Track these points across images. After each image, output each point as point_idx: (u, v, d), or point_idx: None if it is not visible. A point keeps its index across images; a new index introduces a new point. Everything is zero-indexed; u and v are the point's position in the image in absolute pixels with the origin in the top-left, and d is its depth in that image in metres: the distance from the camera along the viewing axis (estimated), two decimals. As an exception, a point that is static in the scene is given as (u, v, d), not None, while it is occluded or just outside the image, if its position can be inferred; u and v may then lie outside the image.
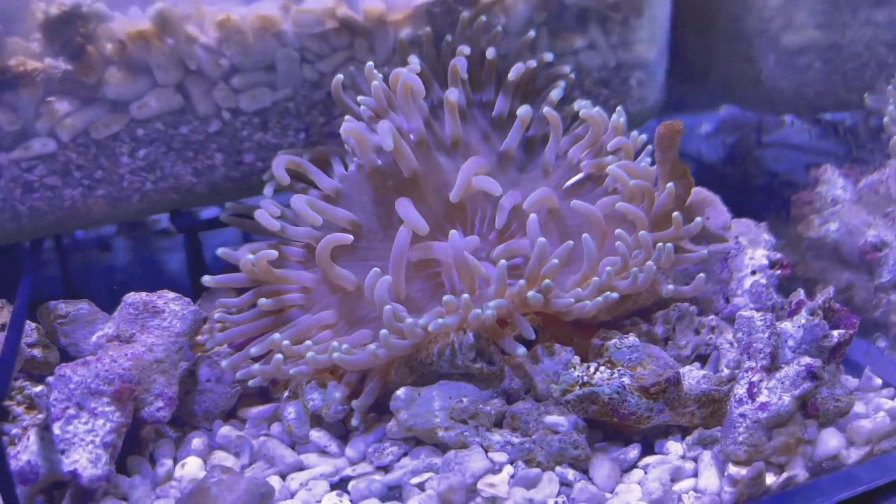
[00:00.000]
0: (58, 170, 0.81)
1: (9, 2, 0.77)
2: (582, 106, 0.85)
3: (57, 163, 0.81)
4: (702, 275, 0.76)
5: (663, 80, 0.99)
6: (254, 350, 0.74)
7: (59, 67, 0.78)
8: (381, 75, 0.83)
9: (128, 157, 0.83)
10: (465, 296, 0.69)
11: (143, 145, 0.83)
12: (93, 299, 0.80)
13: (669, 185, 0.77)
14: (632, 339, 0.72)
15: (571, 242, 0.73)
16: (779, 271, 0.81)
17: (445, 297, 0.70)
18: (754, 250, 0.81)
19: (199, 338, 0.79)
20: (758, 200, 1.15)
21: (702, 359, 0.79)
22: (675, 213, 0.77)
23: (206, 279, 0.77)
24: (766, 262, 0.81)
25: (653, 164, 0.82)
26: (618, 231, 0.75)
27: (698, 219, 0.78)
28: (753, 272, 0.81)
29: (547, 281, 0.70)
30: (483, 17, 0.85)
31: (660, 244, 0.74)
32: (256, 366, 0.74)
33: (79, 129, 0.80)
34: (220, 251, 0.79)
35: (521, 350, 0.70)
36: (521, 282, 0.70)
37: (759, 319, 0.70)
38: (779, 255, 0.81)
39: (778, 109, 0.99)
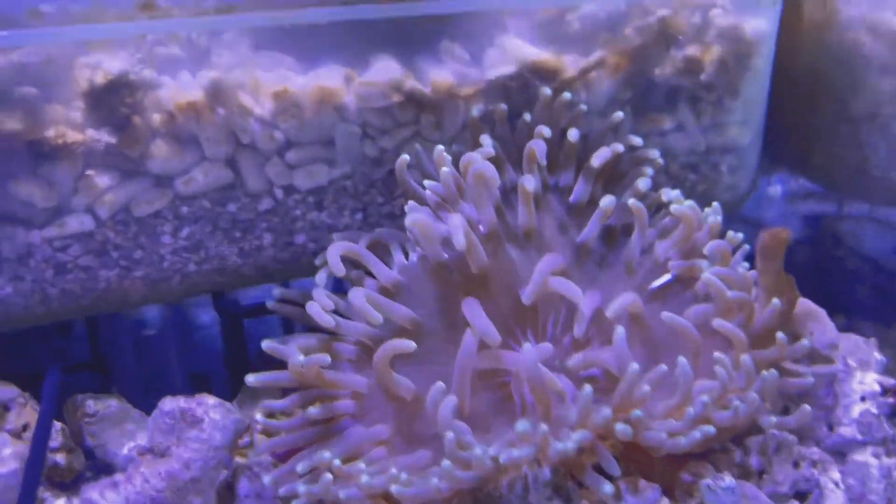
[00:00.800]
0: (94, 249, 0.74)
1: (50, 66, 0.70)
2: (671, 198, 0.77)
3: (94, 242, 0.74)
4: (807, 407, 0.67)
5: (756, 165, 0.90)
6: (300, 467, 0.66)
7: (101, 140, 0.71)
8: (450, 157, 0.75)
9: (170, 236, 0.76)
10: (543, 426, 0.61)
11: (188, 223, 0.76)
12: (124, 387, 0.74)
13: (775, 301, 0.68)
14: (728, 480, 0.63)
15: (665, 368, 0.65)
16: (892, 399, 0.71)
17: (519, 426, 0.61)
18: (864, 373, 0.72)
19: (239, 440, 0.71)
20: (850, 293, 1.05)
21: (800, 496, 0.70)
22: (780, 335, 0.68)
23: (251, 379, 0.70)
24: (877, 387, 0.71)
25: (751, 267, 0.73)
26: (716, 355, 0.66)
27: (804, 341, 0.69)
28: (863, 398, 0.71)
29: (637, 412, 0.62)
30: (568, 96, 0.78)
31: (763, 371, 0.65)
32: (302, 486, 0.66)
33: (119, 205, 0.73)
34: (266, 345, 0.72)
35: (608, 488, 0.61)
36: (607, 411, 0.62)
37: (875, 468, 0.61)
38: (892, 381, 0.72)
39: (889, 202, 0.90)
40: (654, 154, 0.80)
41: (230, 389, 0.80)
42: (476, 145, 0.78)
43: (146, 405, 0.72)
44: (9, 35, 0.64)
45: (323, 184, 0.79)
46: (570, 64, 0.81)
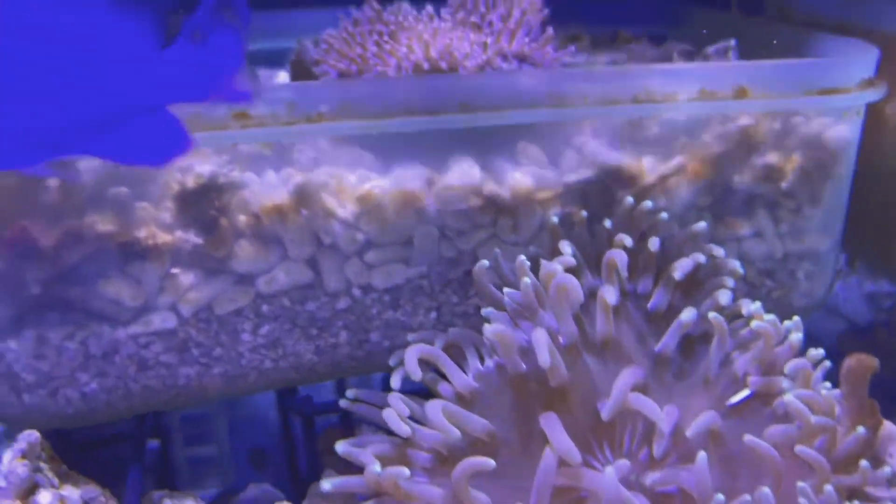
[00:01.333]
0: (176, 346, 0.75)
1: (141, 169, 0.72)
2: (751, 312, 0.76)
3: (176, 339, 0.75)
4: (894, 538, 0.66)
5: (834, 270, 0.89)
6: (374, 580, 0.66)
7: (189, 240, 0.73)
8: (527, 261, 0.75)
9: (250, 333, 0.77)
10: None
11: (267, 321, 0.77)
12: (198, 482, 0.74)
13: (860, 430, 0.67)
14: None
15: (749, 498, 0.64)
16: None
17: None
18: (951, 502, 0.70)
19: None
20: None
21: None
22: (864, 463, 0.67)
23: (327, 487, 0.70)
24: (965, 517, 0.69)
25: (834, 386, 0.72)
26: (800, 485, 0.65)
27: (887, 468, 0.68)
28: (949, 528, 0.69)
29: (722, 547, 0.61)
30: (649, 204, 0.77)
31: (849, 505, 0.64)
32: None
33: (202, 303, 0.75)
34: (342, 450, 0.72)
35: None
36: (691, 544, 0.61)
37: None
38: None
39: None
40: (735, 265, 0.79)
41: (294, 488, 0.80)
42: (554, 250, 0.78)
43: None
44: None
45: (400, 283, 0.79)
46: (649, 169, 0.81)
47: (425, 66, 0.80)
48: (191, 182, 0.72)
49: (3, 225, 0.68)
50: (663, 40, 1.25)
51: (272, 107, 0.70)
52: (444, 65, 0.79)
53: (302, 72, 1.02)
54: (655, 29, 1.33)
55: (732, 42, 1.04)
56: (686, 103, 0.78)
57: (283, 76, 1.14)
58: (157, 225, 0.72)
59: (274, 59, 1.17)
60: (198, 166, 0.72)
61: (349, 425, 0.87)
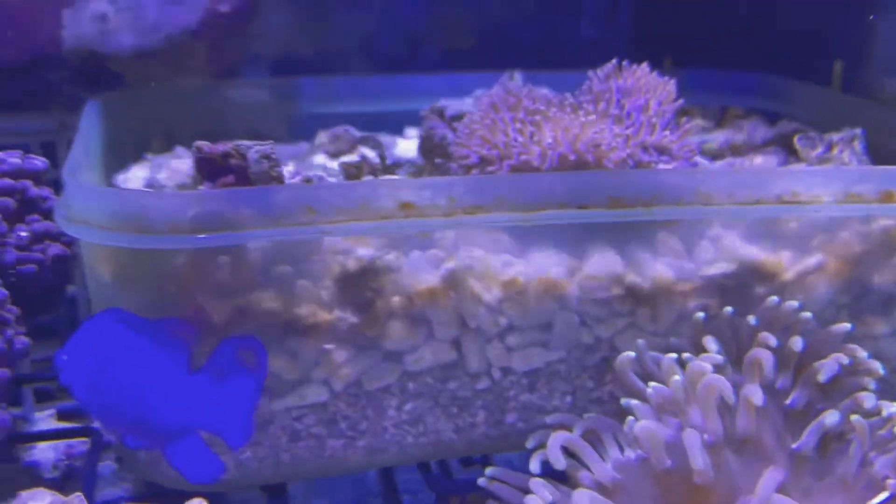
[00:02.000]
0: (325, 419, 0.78)
1: (303, 246, 0.76)
2: (892, 414, 0.76)
3: (326, 412, 0.78)
4: None
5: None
6: None
7: (345, 319, 0.76)
8: (675, 359, 0.76)
9: (395, 409, 0.79)
10: None
11: (411, 399, 0.80)
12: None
13: None
14: None
15: None
16: None
17: None
18: None
19: None
20: None
21: None
22: None
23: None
24: None
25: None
26: None
27: None
28: None
29: None
30: (794, 304, 0.78)
31: None
32: None
33: (352, 379, 0.78)
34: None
35: None
36: None
37: None
38: None
39: None
40: (876, 366, 0.79)
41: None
42: (698, 344, 0.79)
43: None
44: (289, 231, 0.70)
45: (538, 367, 0.81)
46: (788, 265, 0.82)
47: (572, 157, 0.82)
48: (351, 265, 0.75)
49: (181, 302, 0.72)
50: (774, 117, 1.26)
51: (435, 198, 0.73)
52: (590, 158, 0.82)
53: (431, 147, 1.06)
54: (754, 100, 1.34)
55: (859, 131, 1.05)
56: (830, 205, 0.79)
57: (402, 144, 1.19)
58: (317, 303, 0.76)
59: (393, 122, 1.22)
60: (359, 250, 0.75)
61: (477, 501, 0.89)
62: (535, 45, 1.55)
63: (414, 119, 1.14)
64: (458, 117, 1.08)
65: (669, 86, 0.93)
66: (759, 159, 1.13)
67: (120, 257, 0.73)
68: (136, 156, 1.09)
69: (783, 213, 0.80)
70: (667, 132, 0.87)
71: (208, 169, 0.76)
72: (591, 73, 0.98)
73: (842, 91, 1.30)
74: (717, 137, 1.21)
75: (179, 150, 1.10)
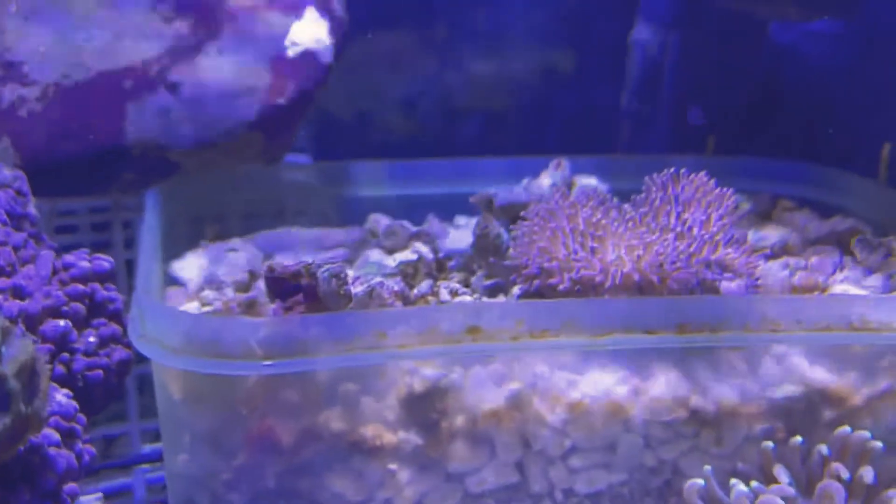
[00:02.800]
0: (388, 540, 0.78)
1: (367, 358, 0.76)
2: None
3: (388, 533, 0.78)
4: None
5: None
6: None
7: (410, 441, 0.76)
8: (746, 490, 0.75)
9: (455, 531, 0.79)
10: None
11: (473, 520, 0.79)
12: None
13: None
14: None
15: None
16: None
17: None
18: None
19: None
20: None
21: None
22: None
23: None
24: None
25: None
26: None
27: None
28: None
29: None
30: (867, 435, 0.77)
31: None
32: None
33: (414, 500, 0.77)
34: None
35: None
36: None
37: None
38: None
39: None
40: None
41: None
42: (767, 471, 0.78)
43: None
44: (365, 356, 0.71)
45: (601, 489, 0.80)
46: (856, 389, 0.81)
47: (636, 277, 0.83)
48: (418, 386, 0.75)
49: (251, 422, 0.73)
50: (823, 208, 1.25)
51: (502, 323, 0.73)
52: (655, 279, 0.82)
53: (486, 245, 1.06)
54: (801, 189, 1.34)
55: (919, 238, 1.05)
56: (902, 334, 0.78)
57: (453, 234, 1.20)
58: (382, 422, 0.76)
59: (441, 204, 1.23)
60: (424, 370, 0.76)
61: None
62: (575, 113, 1.57)
63: (462, 202, 1.15)
64: (507, 208, 1.10)
65: (729, 199, 0.93)
66: (814, 259, 1.12)
67: (191, 377, 0.74)
68: (190, 242, 1.10)
69: (853, 342, 0.79)
70: (730, 250, 0.87)
71: (279, 288, 0.77)
72: (647, 180, 0.98)
73: (889, 175, 1.30)
74: (771, 236, 1.20)
75: (235, 241, 1.12)
